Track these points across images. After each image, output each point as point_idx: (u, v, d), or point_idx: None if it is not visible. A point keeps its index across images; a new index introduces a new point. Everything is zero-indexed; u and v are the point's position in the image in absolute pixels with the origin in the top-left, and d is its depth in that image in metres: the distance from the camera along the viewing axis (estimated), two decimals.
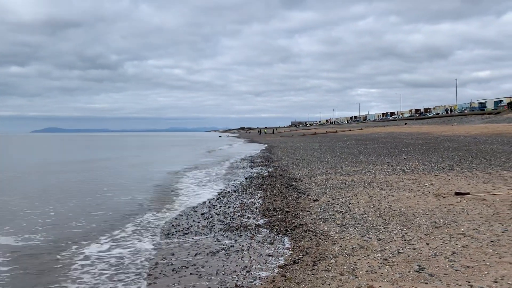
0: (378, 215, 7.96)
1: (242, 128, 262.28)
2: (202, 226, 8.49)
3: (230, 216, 9.31)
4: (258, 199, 11.19)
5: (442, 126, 53.34)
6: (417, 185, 11.44)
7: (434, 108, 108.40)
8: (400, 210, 8.31)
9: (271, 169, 18.48)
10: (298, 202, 9.99)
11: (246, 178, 16.06)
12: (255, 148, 41.65)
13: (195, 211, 10.35)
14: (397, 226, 7.05)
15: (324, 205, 9.36)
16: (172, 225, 8.88)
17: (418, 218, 7.49)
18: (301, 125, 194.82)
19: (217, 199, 11.96)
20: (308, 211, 8.88)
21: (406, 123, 75.77)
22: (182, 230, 8.30)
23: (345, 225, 7.42)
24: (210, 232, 7.92)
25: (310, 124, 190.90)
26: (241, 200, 11.33)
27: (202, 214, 9.90)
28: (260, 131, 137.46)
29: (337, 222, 7.66)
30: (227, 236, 7.54)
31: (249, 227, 7.99)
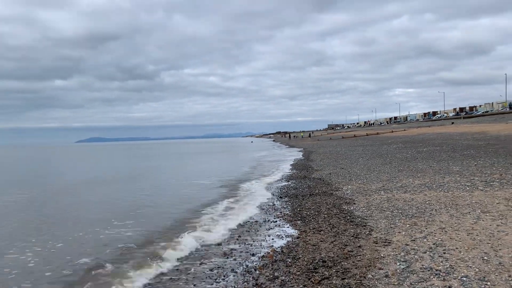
0: (509, 279, 4.50)
1: (278, 133, 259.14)
2: None
3: (253, 278, 5.63)
4: (297, 238, 7.41)
5: (496, 125, 48.18)
6: None
7: (480, 106, 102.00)
8: None
9: (311, 183, 14.89)
10: (359, 246, 6.46)
11: (280, 198, 12.58)
12: (291, 154, 38.10)
13: (201, 264, 6.56)
14: None
15: (403, 253, 5.88)
16: None
17: None
18: (338, 128, 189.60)
19: (238, 236, 8.12)
20: (380, 267, 5.41)
21: (452, 123, 70.46)
22: None
23: None
24: None
25: (348, 127, 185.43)
26: (273, 240, 7.64)
27: (211, 270, 6.17)
28: (290, 135, 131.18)
29: None
30: None
31: None
